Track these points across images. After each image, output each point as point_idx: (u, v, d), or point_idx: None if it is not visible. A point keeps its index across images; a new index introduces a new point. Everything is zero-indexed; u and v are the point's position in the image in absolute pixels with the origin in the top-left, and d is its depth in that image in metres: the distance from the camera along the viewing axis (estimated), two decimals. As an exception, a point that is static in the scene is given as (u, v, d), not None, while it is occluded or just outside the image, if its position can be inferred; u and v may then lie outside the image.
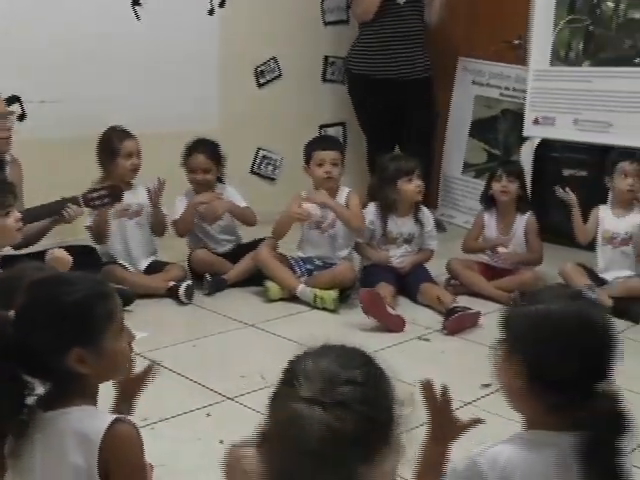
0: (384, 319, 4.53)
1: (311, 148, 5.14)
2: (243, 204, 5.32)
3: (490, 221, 5.33)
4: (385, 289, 4.81)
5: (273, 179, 6.95)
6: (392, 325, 4.52)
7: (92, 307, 1.98)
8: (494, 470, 1.90)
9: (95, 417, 1.97)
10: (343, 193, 5.14)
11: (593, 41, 5.99)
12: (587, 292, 2.01)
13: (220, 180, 5.34)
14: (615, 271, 5.11)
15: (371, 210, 5.17)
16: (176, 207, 5.23)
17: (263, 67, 6.74)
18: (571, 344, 1.86)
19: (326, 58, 7.14)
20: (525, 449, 1.90)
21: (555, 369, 1.86)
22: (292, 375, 1.53)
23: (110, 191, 4.71)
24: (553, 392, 1.87)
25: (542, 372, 1.87)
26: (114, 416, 1.97)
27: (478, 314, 4.62)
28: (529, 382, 1.89)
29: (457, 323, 4.54)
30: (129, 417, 2.12)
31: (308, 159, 5.11)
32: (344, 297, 4.93)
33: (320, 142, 5.31)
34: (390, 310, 4.59)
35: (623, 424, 1.81)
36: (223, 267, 5.17)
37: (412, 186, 5.08)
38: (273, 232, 5.14)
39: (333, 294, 4.81)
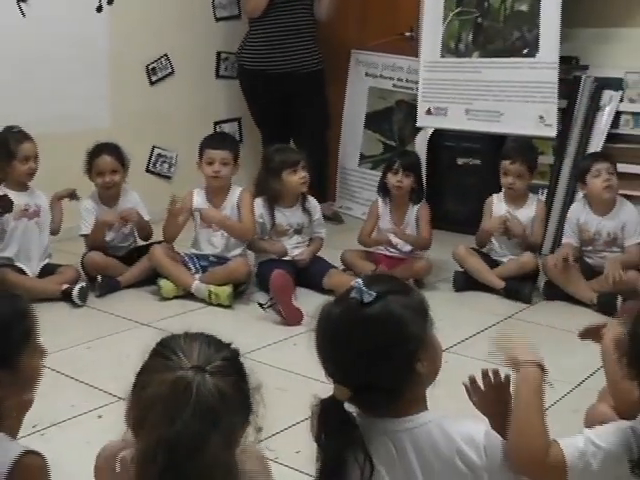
0: (286, 307, 4.54)
1: (203, 145, 5.14)
2: (147, 217, 5.27)
3: (384, 211, 5.37)
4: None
5: (169, 177, 6.88)
6: (291, 317, 4.54)
7: (9, 328, 1.89)
8: None
9: (2, 447, 1.86)
10: (235, 192, 5.13)
11: (482, 33, 6.06)
12: (354, 289, 2.00)
13: None
14: (508, 255, 5.23)
15: (259, 203, 5.18)
16: (83, 216, 5.14)
17: (155, 64, 6.66)
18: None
19: (219, 54, 7.09)
20: None
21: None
22: (168, 350, 1.66)
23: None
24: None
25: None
26: (23, 448, 1.86)
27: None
28: None
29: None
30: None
31: (201, 156, 5.10)
32: (239, 293, 4.93)
33: (212, 140, 5.27)
34: (294, 301, 4.61)
35: None
36: (117, 270, 5.10)
37: (296, 177, 5.10)
38: (165, 237, 5.10)
39: (228, 290, 4.80)
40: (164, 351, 1.66)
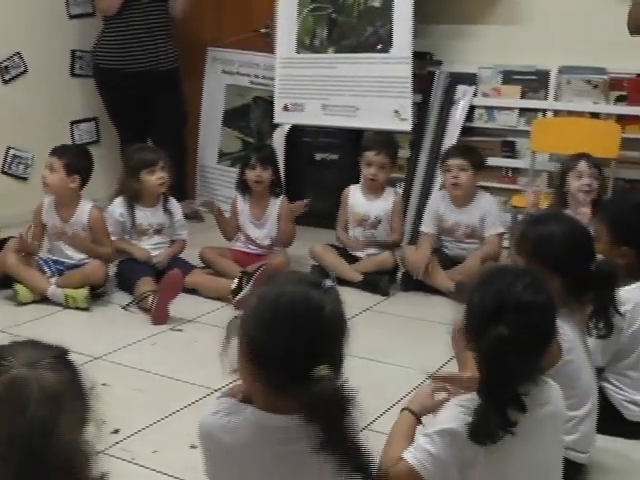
0: (161, 305, 4.53)
1: None
2: None
3: (244, 207, 5.38)
4: (148, 284, 4.81)
5: (25, 178, 6.71)
6: (158, 315, 4.52)
7: None
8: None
9: None
10: (85, 207, 4.98)
11: (336, 28, 6.11)
12: (325, 281, 2.04)
13: None
14: (366, 250, 5.28)
15: (119, 202, 5.13)
16: None
17: (7, 63, 6.47)
18: (285, 327, 1.89)
19: (73, 52, 6.96)
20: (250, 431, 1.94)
21: (268, 349, 1.88)
22: None
23: None
24: (266, 372, 1.90)
25: (258, 352, 1.91)
26: None
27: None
28: (249, 361, 1.93)
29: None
30: None
31: None
32: (96, 295, 4.86)
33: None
34: (169, 304, 4.59)
35: (341, 407, 1.84)
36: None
37: (154, 178, 5.05)
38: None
39: (84, 292, 4.73)
40: None
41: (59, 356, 1.69)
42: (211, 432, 2.00)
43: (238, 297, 4.63)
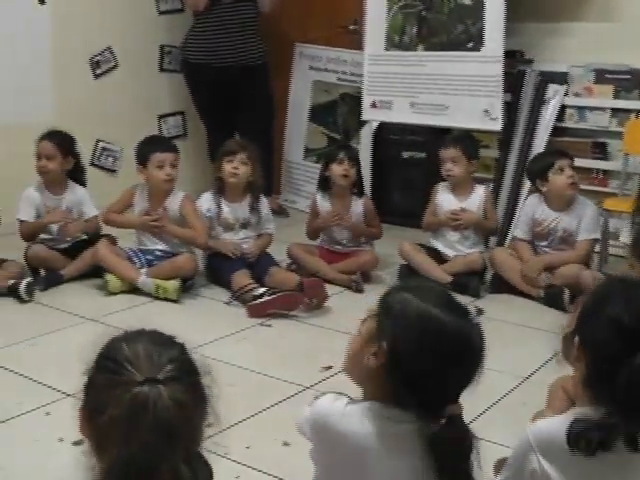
0: (269, 305, 4.55)
1: (148, 149, 5.01)
2: (93, 211, 5.19)
3: (324, 205, 5.35)
4: (245, 277, 4.84)
5: (114, 171, 6.80)
6: (259, 311, 4.54)
7: None
8: None
9: None
10: (177, 196, 5.04)
11: (426, 26, 6.07)
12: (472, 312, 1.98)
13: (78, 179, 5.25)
14: (456, 251, 5.21)
15: (207, 198, 5.15)
16: (22, 202, 5.04)
17: (99, 57, 6.59)
18: (438, 353, 1.86)
19: (162, 47, 7.03)
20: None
21: (413, 367, 1.86)
22: (114, 363, 1.56)
23: None
24: (404, 389, 1.87)
25: (401, 365, 1.86)
26: None
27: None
28: (385, 368, 1.88)
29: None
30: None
31: (144, 160, 4.98)
32: (186, 287, 4.88)
33: (158, 144, 5.16)
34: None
35: (465, 451, 1.84)
36: (60, 263, 5.00)
37: (229, 167, 5.05)
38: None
39: (176, 284, 4.75)
40: (110, 365, 1.57)
41: (178, 359, 1.60)
42: (327, 419, 1.94)
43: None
